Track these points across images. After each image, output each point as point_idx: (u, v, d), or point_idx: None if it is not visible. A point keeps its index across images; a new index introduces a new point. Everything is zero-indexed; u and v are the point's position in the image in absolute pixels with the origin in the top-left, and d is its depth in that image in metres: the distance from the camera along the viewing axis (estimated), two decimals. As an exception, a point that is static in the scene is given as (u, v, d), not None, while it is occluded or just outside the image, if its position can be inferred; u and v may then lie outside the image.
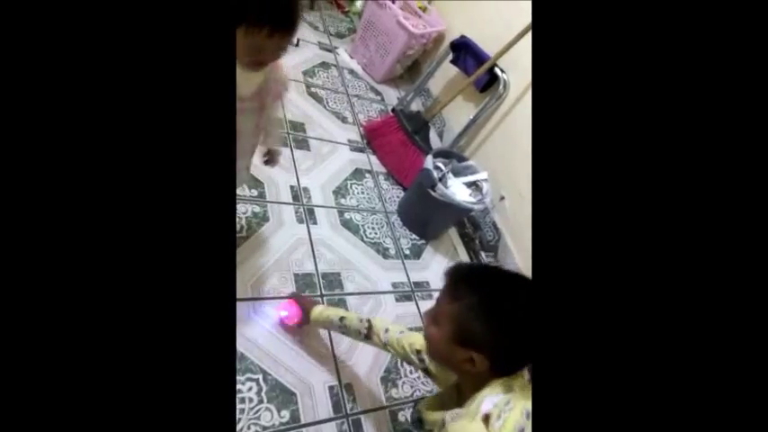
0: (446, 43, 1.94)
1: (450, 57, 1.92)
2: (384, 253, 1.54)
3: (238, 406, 0.99)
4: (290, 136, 1.66)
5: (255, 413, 1.00)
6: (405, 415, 1.20)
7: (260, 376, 1.06)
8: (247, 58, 0.75)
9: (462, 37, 1.86)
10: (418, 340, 0.91)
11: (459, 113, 1.99)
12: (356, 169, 1.74)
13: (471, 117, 1.84)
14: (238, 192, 1.35)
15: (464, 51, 1.86)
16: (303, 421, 1.05)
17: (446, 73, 2.06)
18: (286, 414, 1.04)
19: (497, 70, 1.74)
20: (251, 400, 1.02)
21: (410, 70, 2.35)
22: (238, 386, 1.02)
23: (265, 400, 1.03)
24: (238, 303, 1.13)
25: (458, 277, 0.74)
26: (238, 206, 1.33)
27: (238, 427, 0.96)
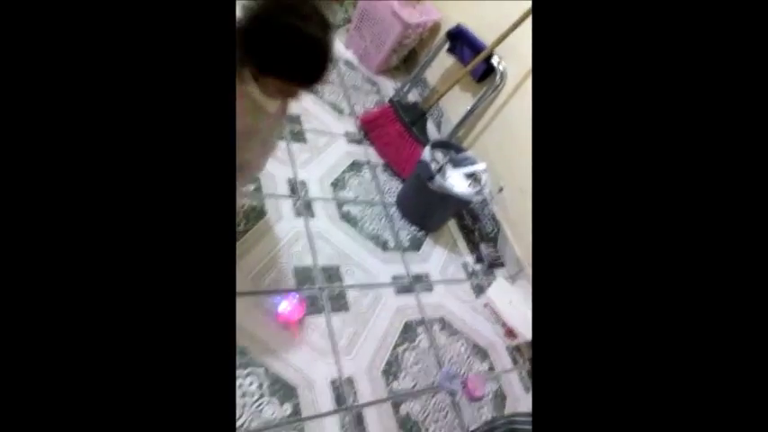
0: (442, 32, 1.92)
1: (447, 46, 1.90)
2: (383, 245, 1.54)
3: (240, 400, 0.99)
4: (287, 129, 1.64)
5: (258, 407, 1.00)
6: (407, 407, 1.20)
7: (261, 370, 1.05)
8: (278, 95, 0.80)
9: (458, 26, 1.84)
10: None
11: (456, 104, 1.98)
12: (354, 161, 1.73)
13: (469, 107, 1.82)
14: (235, 186, 1.34)
15: (460, 41, 1.84)
16: (305, 415, 1.04)
17: (443, 63, 2.04)
18: (288, 407, 1.03)
19: (494, 59, 1.72)
20: (252, 394, 1.01)
21: (406, 60, 2.33)
22: (240, 381, 1.01)
23: (267, 394, 1.03)
24: (237, 297, 1.13)
25: None
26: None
27: (240, 421, 0.96)
